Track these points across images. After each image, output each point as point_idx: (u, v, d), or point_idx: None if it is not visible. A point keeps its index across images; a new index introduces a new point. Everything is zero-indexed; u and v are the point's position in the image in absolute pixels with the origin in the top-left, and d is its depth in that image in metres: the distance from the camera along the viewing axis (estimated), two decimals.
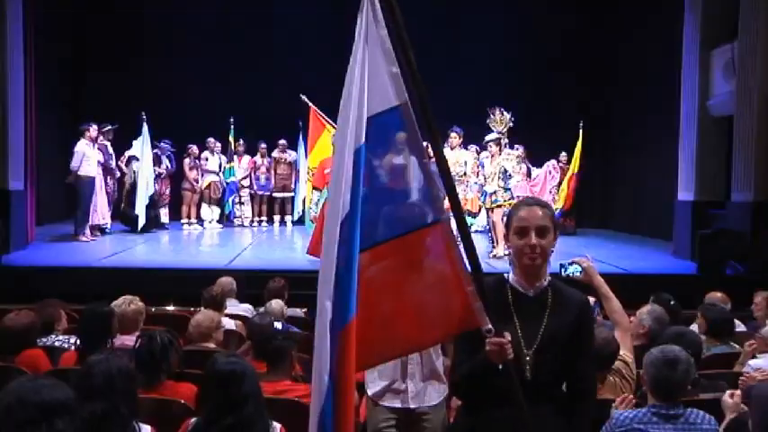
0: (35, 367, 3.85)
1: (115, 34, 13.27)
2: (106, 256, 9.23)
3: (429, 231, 2.19)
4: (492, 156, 10.07)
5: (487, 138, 10.13)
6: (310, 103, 8.68)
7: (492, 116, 11.93)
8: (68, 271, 8.22)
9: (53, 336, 4.53)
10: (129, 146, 11.49)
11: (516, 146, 12.16)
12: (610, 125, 13.69)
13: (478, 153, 11.28)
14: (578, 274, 3.35)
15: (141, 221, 11.14)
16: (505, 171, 9.82)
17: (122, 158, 11.56)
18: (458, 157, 10.25)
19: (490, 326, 2.19)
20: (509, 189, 9.74)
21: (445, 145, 9.97)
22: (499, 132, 10.23)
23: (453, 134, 10.36)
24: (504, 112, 11.84)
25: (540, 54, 13.61)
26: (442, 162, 2.22)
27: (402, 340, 2.27)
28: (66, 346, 4.38)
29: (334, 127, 8.26)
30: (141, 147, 11.10)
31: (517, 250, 2.39)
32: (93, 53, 13.37)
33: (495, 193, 9.76)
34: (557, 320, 2.39)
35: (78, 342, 4.21)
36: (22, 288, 7.17)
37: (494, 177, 9.78)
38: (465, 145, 11.21)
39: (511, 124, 11.80)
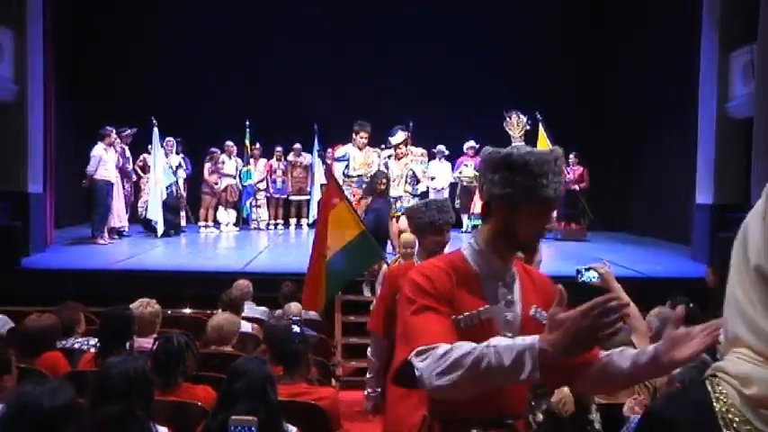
0: (55, 370, 3.87)
1: (133, 37, 13.39)
2: (123, 258, 9.30)
3: None
4: (398, 157, 9.23)
5: (393, 140, 9.36)
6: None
7: (508, 119, 11.86)
8: (86, 274, 8.27)
9: (72, 338, 4.56)
10: (145, 149, 11.56)
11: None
12: (627, 128, 13.58)
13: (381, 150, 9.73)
14: (595, 280, 3.36)
15: (160, 228, 11.02)
16: (414, 175, 9.25)
17: (138, 162, 11.64)
18: (366, 157, 9.23)
19: None
20: (417, 195, 8.97)
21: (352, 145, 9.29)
22: (515, 137, 10.08)
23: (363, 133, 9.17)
24: (521, 116, 11.73)
25: (551, 53, 13.57)
26: None
27: None
28: (85, 348, 4.41)
29: (348, 202, 6.25)
30: (153, 152, 11.13)
31: None
32: (111, 57, 13.47)
33: (400, 198, 8.98)
34: None
35: (97, 344, 4.23)
36: (41, 291, 7.21)
37: (399, 181, 9.08)
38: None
39: (528, 127, 11.72)
